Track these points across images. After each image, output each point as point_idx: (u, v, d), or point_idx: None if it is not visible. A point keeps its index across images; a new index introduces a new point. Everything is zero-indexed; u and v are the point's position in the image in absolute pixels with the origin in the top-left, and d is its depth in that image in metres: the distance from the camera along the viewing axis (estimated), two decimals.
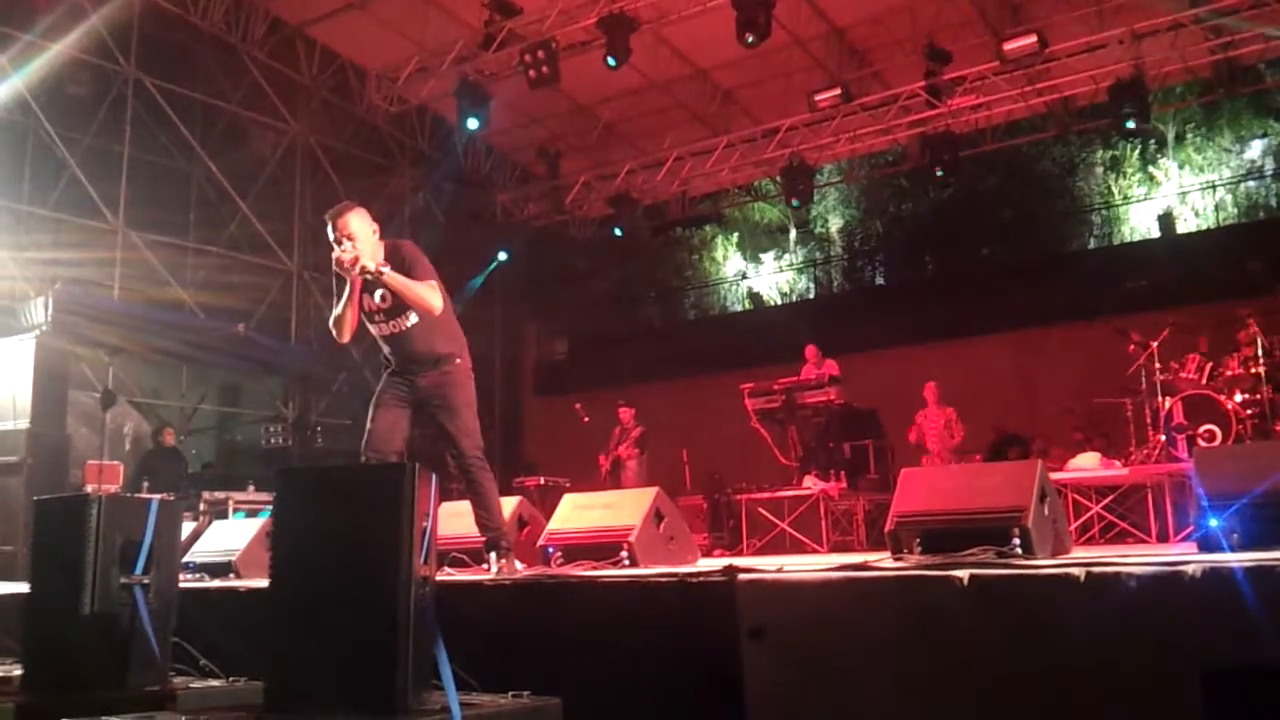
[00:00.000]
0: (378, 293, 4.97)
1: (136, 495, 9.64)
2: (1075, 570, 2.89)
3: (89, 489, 9.83)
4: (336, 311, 4.95)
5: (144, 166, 12.79)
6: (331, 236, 4.89)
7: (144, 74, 12.54)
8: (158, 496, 4.69)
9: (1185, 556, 2.96)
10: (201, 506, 10.47)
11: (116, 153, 12.39)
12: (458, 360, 5.14)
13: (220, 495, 10.72)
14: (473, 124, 13.26)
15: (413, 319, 5.01)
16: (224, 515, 10.29)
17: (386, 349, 5.14)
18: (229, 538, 7.27)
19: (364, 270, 4.80)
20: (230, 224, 13.62)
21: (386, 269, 4.83)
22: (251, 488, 11.06)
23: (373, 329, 5.10)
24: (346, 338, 5.01)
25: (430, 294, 4.92)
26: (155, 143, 13.08)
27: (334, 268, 4.87)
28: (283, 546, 3.35)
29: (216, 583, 6.28)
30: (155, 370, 13.90)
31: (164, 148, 13.22)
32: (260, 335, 12.56)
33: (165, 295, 12.71)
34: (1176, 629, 2.72)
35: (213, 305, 12.98)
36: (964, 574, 3.05)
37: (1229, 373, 9.62)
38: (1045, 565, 3.01)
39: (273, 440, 12.63)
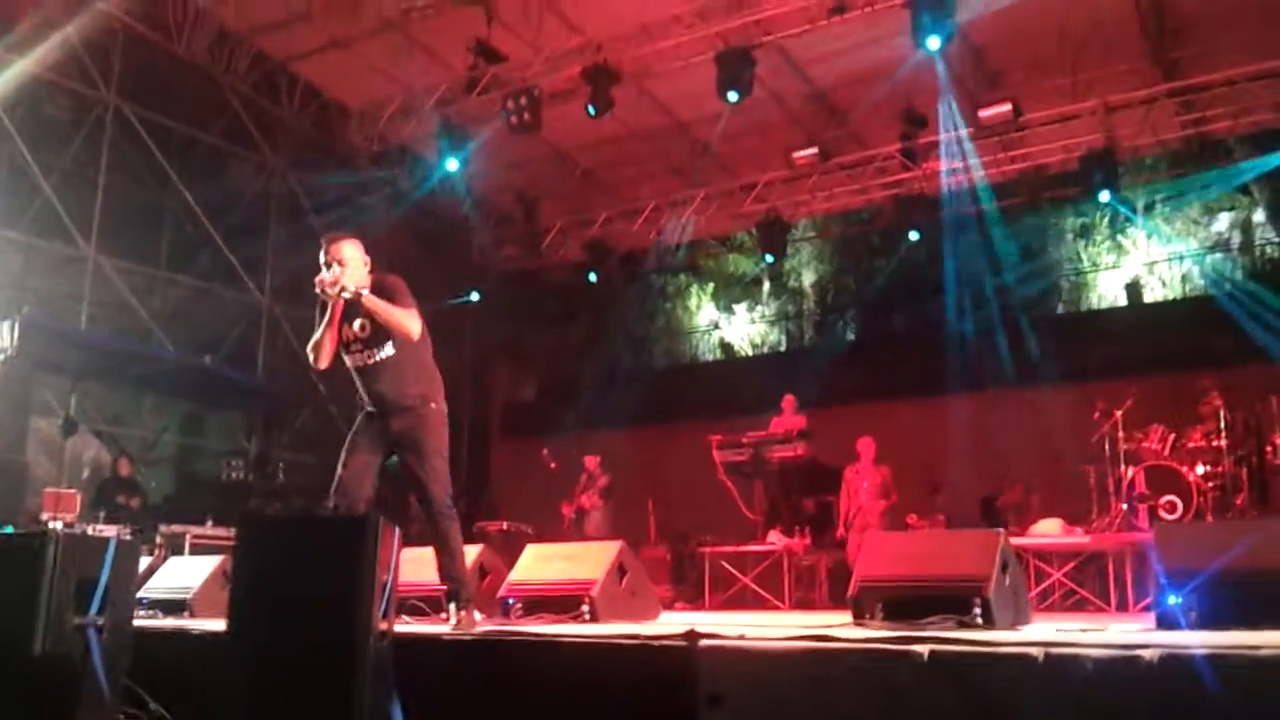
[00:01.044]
0: (357, 322, 5.03)
1: (94, 533, 9.52)
2: (1034, 650, 2.91)
3: (45, 517, 9.69)
4: (316, 336, 5.01)
5: (118, 193, 12.70)
6: (322, 259, 4.97)
7: (123, 101, 12.49)
8: (114, 536, 4.63)
9: (1143, 639, 2.99)
10: (158, 539, 10.33)
11: (91, 178, 12.30)
12: (432, 404, 5.15)
13: (178, 529, 10.58)
14: (452, 165, 13.31)
15: (389, 351, 5.05)
16: (180, 550, 10.15)
17: (360, 383, 5.13)
18: (185, 575, 7.19)
19: (342, 290, 4.88)
20: (203, 254, 13.53)
21: (365, 292, 4.91)
22: (210, 522, 10.93)
23: (349, 359, 5.11)
24: (324, 363, 5.06)
25: (409, 319, 4.99)
26: (131, 170, 13.00)
27: (316, 289, 4.94)
28: (241, 591, 3.34)
29: (170, 622, 6.19)
30: (118, 397, 13.76)
31: (139, 175, 13.15)
32: (227, 368, 12.46)
33: (133, 323, 12.60)
34: (1131, 713, 2.74)
35: (180, 336, 12.87)
36: (924, 650, 3.06)
37: (1191, 444, 9.75)
38: (1004, 643, 3.03)
39: (233, 475, 12.48)
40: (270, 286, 14.09)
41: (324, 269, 4.94)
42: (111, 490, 11.41)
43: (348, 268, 4.94)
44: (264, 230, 14.21)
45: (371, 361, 5.05)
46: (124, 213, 12.75)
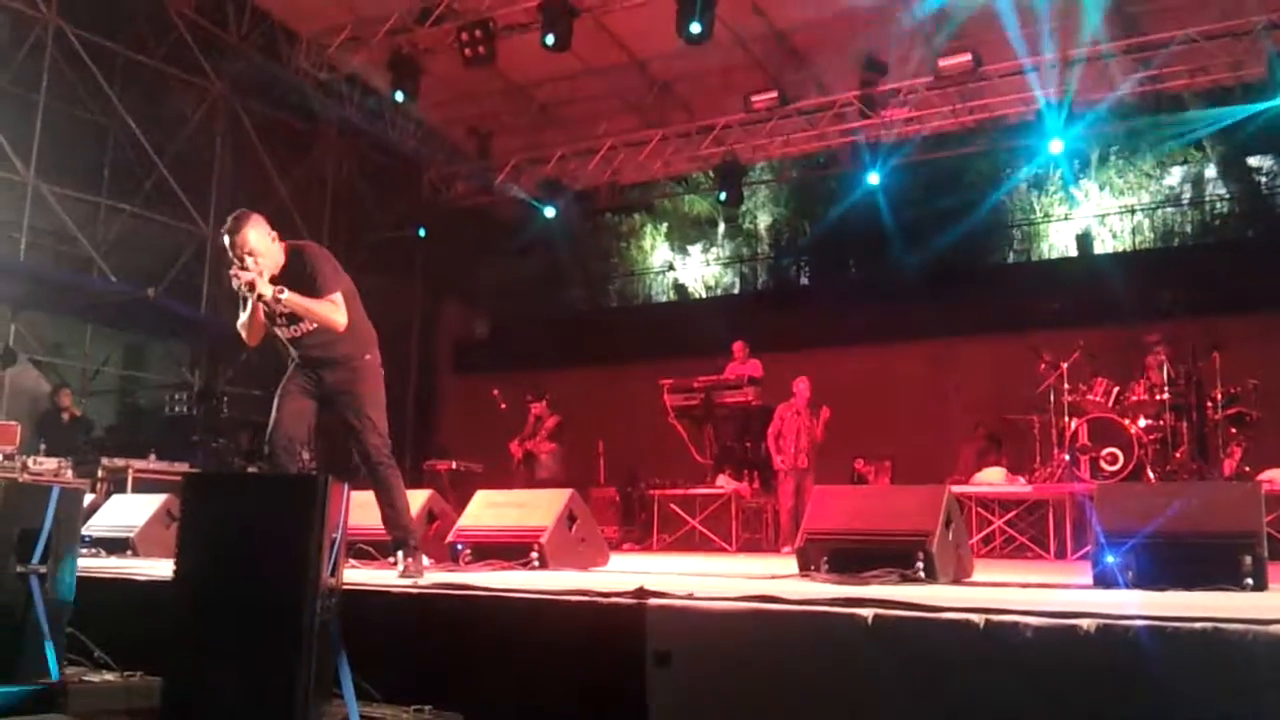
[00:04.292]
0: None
1: (35, 465, 9.38)
2: (975, 618, 2.95)
3: None
4: (241, 320, 4.87)
5: (60, 117, 12.31)
6: (230, 252, 4.75)
7: (65, 21, 12.06)
8: (58, 484, 4.53)
9: (1081, 607, 3.05)
10: (100, 473, 10.20)
11: (32, 101, 11.89)
12: (366, 357, 5.10)
13: (120, 462, 10.46)
14: (400, 97, 13.05)
15: (314, 324, 4.94)
16: (123, 484, 10.04)
17: (290, 350, 5.05)
18: (128, 513, 7.15)
19: (260, 297, 4.69)
20: (146, 182, 13.18)
21: (284, 294, 4.73)
22: (153, 456, 10.81)
23: (277, 332, 5.00)
24: (255, 342, 4.95)
25: (333, 313, 4.87)
26: (73, 93, 12.60)
27: (234, 284, 4.74)
28: (188, 551, 3.28)
29: (114, 563, 6.14)
30: (59, 327, 13.47)
31: (81, 99, 12.75)
32: (171, 300, 12.21)
33: (74, 252, 12.29)
34: (1069, 682, 2.80)
35: (123, 266, 12.59)
36: (868, 614, 3.10)
37: (1134, 398, 9.92)
38: (946, 608, 3.07)
39: (176, 408, 12.32)
40: (215, 216, 13.79)
41: (234, 261, 4.72)
42: (53, 423, 11.21)
43: (259, 255, 4.72)
44: (209, 159, 13.88)
45: (299, 334, 4.96)
46: (65, 138, 12.38)
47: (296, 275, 4.81)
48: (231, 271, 4.73)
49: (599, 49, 13.11)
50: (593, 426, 12.85)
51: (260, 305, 4.79)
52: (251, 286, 4.66)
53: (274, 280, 4.76)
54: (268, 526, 3.13)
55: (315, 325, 4.91)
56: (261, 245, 4.75)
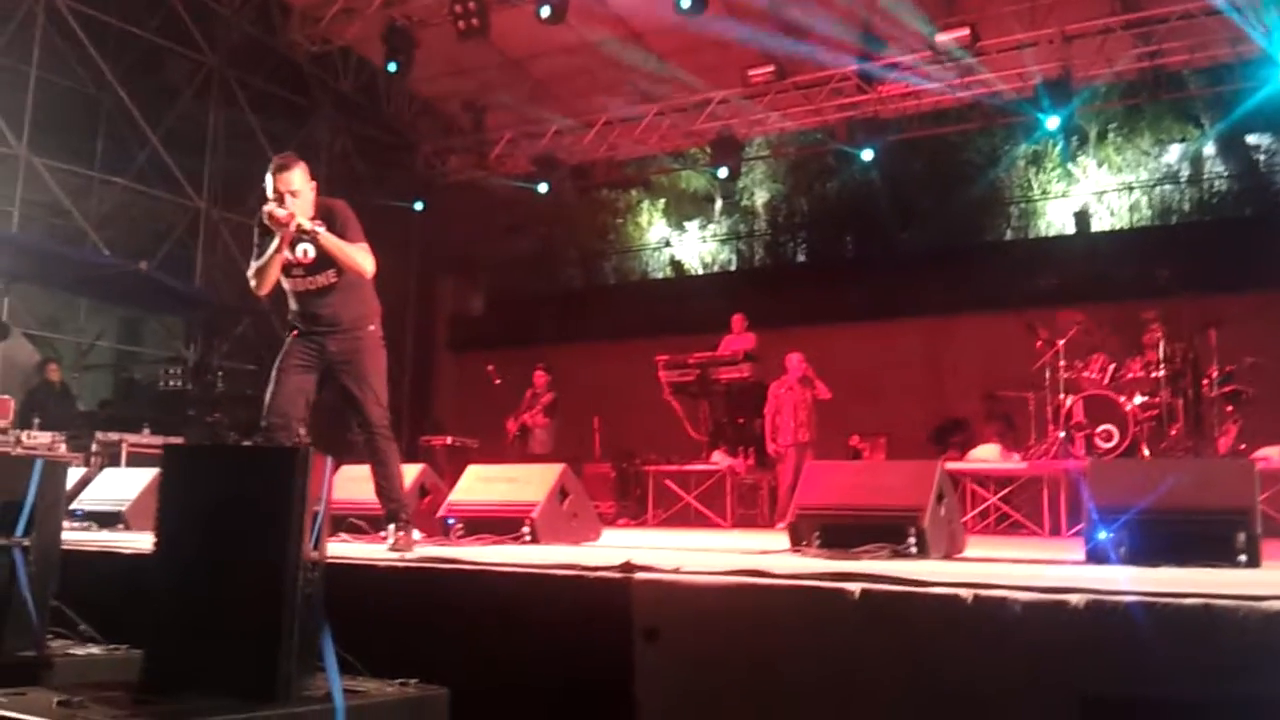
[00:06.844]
0: (300, 248, 4.88)
1: (28, 439, 9.35)
2: (963, 592, 2.93)
3: None
4: (259, 263, 4.86)
5: (52, 90, 12.21)
6: (270, 188, 4.79)
7: None
8: (41, 455, 4.48)
9: (1070, 582, 3.02)
10: (94, 448, 10.16)
11: (23, 73, 11.80)
12: (370, 327, 5.09)
13: (114, 436, 10.43)
14: (393, 68, 12.97)
15: (332, 277, 4.94)
16: (117, 458, 10.01)
17: (296, 306, 5.02)
18: (120, 486, 7.11)
19: (299, 229, 4.73)
20: (139, 156, 13.10)
21: (322, 229, 4.78)
22: (147, 430, 10.78)
23: (287, 283, 4.98)
24: (266, 290, 4.94)
25: (364, 257, 4.91)
26: (65, 66, 12.49)
27: (264, 220, 4.77)
28: (168, 523, 3.25)
29: (103, 536, 6.11)
30: (53, 300, 13.42)
31: (74, 72, 12.63)
32: (164, 274, 12.15)
33: (67, 226, 12.22)
34: (1057, 656, 2.77)
35: (116, 239, 12.52)
36: (856, 589, 3.07)
37: (1131, 375, 9.87)
38: (934, 583, 3.04)
39: (171, 383, 12.26)
40: (209, 190, 13.72)
41: (270, 197, 4.77)
42: (43, 396, 11.17)
43: (298, 198, 4.78)
44: (202, 132, 13.79)
45: (314, 287, 4.95)
46: (57, 111, 12.29)
47: (327, 225, 4.84)
48: (266, 208, 4.74)
49: (595, 22, 13.00)
50: (589, 402, 12.82)
51: (282, 252, 4.80)
52: (291, 219, 4.70)
53: None
54: (248, 499, 3.09)
55: (332, 280, 4.92)
56: (304, 188, 4.82)
